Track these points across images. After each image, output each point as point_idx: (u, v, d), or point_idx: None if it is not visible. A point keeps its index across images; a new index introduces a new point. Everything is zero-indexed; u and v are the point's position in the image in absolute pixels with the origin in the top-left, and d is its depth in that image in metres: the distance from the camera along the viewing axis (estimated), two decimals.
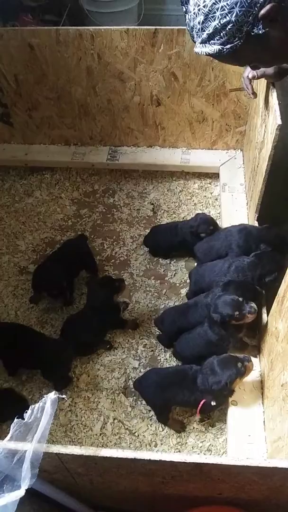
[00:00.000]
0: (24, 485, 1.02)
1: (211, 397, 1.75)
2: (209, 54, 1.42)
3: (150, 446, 1.94)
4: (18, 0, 3.50)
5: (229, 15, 1.31)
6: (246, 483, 1.26)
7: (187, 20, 1.42)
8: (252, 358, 1.84)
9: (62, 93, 2.67)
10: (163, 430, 1.97)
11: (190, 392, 1.81)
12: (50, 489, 1.35)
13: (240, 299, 1.79)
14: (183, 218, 2.68)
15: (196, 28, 1.39)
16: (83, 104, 2.71)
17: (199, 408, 1.79)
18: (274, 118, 1.77)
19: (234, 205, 2.55)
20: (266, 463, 1.08)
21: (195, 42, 1.45)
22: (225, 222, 2.45)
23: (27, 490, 1.04)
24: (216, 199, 2.78)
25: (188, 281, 2.32)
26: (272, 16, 1.32)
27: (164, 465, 1.13)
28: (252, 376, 1.90)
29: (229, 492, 1.36)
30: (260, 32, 1.35)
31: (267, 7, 1.31)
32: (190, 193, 2.84)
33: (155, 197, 2.84)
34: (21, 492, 1.01)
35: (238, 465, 1.09)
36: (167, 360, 2.16)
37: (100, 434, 1.98)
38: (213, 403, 1.75)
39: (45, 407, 1.07)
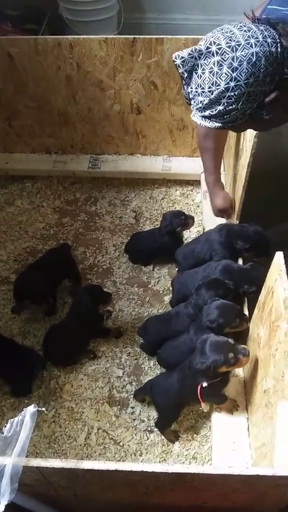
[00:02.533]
0: (4, 501, 1.01)
1: (203, 378, 1.67)
2: (208, 127, 1.43)
3: (135, 455, 1.92)
4: None
5: (235, 103, 1.32)
6: (230, 491, 1.26)
7: (185, 90, 1.42)
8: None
9: (42, 102, 2.66)
10: (148, 439, 1.96)
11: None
12: (32, 503, 1.34)
13: (231, 341, 1.68)
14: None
15: (196, 102, 1.38)
16: (63, 112, 2.71)
17: (199, 394, 1.70)
18: None
19: None
20: (248, 471, 1.08)
21: (189, 105, 1.45)
22: (207, 228, 2.45)
23: (8, 505, 1.03)
24: (198, 206, 2.79)
25: (171, 288, 2.32)
26: (275, 101, 1.34)
27: (146, 475, 1.12)
28: (235, 382, 1.91)
29: (213, 500, 1.36)
30: (263, 117, 1.37)
31: (272, 95, 1.33)
32: (172, 200, 2.85)
33: (137, 204, 2.84)
34: (0, 508, 1.00)
35: (220, 474, 1.09)
36: (151, 368, 2.16)
37: (85, 444, 1.96)
38: (204, 384, 1.66)
39: (24, 420, 1.06)
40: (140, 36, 2.36)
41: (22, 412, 1.06)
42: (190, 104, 1.45)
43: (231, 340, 1.65)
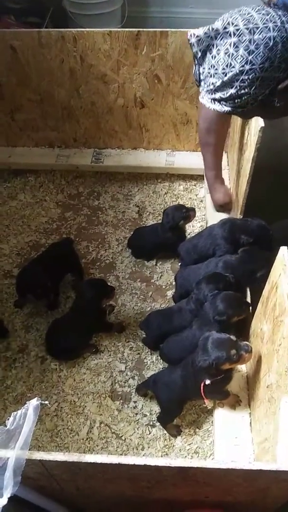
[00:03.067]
0: (7, 494, 1.01)
1: (205, 375, 1.65)
2: (217, 110, 1.41)
3: (137, 449, 1.93)
4: (0, 2, 3.48)
5: (248, 87, 1.30)
6: (232, 486, 1.26)
7: (196, 70, 1.39)
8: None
9: (45, 95, 2.65)
10: (150, 433, 1.96)
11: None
12: (35, 496, 1.34)
13: (233, 338, 1.66)
14: None
15: (207, 84, 1.36)
16: (66, 106, 2.70)
17: (202, 391, 1.69)
18: (257, 120, 1.78)
19: None
20: (251, 466, 1.08)
21: (198, 87, 1.43)
22: (210, 223, 2.43)
23: (11, 498, 1.03)
24: (201, 201, 2.78)
25: (174, 283, 2.32)
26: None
27: (148, 469, 1.12)
28: (238, 377, 1.90)
29: (215, 495, 1.36)
30: (275, 104, 1.35)
31: (286, 82, 1.31)
32: (175, 195, 2.84)
33: (140, 199, 2.83)
34: (3, 501, 1.00)
35: (223, 468, 1.09)
36: (153, 363, 2.15)
37: (87, 438, 1.96)
38: (207, 382, 1.65)
39: (27, 413, 1.06)
40: (145, 30, 2.34)
41: (25, 405, 1.06)
42: (199, 86, 1.43)
43: (233, 337, 1.64)
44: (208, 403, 1.78)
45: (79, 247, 2.59)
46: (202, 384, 1.67)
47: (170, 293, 2.38)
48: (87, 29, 2.38)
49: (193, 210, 2.38)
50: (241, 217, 2.24)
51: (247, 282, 2.01)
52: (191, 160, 2.83)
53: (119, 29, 2.39)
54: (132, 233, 2.58)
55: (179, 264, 2.34)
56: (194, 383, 1.73)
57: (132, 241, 2.55)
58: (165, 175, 2.89)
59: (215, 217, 2.42)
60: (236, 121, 2.38)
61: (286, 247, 1.44)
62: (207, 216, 2.56)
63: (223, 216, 2.36)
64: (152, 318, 2.12)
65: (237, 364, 1.67)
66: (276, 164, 2.97)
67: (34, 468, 1.18)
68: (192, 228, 2.63)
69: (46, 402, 1.22)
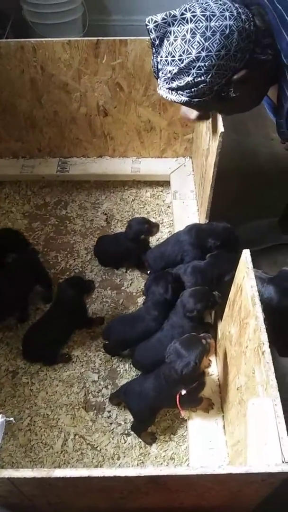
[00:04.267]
0: None
1: (181, 385, 1.66)
2: (174, 101, 1.42)
3: (113, 459, 1.91)
4: None
5: (204, 75, 1.31)
6: (205, 491, 1.26)
7: (154, 59, 1.40)
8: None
9: (7, 105, 2.62)
10: (125, 442, 1.95)
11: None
12: None
13: (194, 333, 1.73)
14: None
15: (164, 73, 1.36)
16: (29, 116, 2.67)
17: (178, 402, 1.69)
18: (217, 126, 1.80)
19: (186, 212, 2.57)
20: (221, 470, 1.08)
21: (157, 79, 1.43)
22: (177, 229, 2.46)
23: None
24: (169, 207, 2.79)
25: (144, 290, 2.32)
26: (243, 80, 1.35)
27: (119, 480, 1.11)
28: (210, 381, 1.91)
29: (189, 501, 1.36)
30: (230, 94, 1.36)
31: (241, 72, 1.33)
32: (142, 201, 2.85)
33: (108, 207, 2.83)
34: None
35: (193, 474, 1.09)
36: (126, 371, 2.14)
37: (62, 451, 1.93)
38: (183, 392, 1.65)
39: None
40: (104, 38, 2.34)
41: None
42: (157, 78, 1.44)
43: (193, 333, 1.70)
44: (184, 414, 1.79)
45: (47, 258, 2.57)
46: (177, 396, 1.67)
47: (141, 300, 2.38)
48: (46, 39, 2.37)
49: (156, 226, 2.38)
50: (207, 221, 2.26)
51: (216, 287, 2.03)
52: (157, 166, 2.85)
53: (78, 38, 2.38)
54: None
55: (148, 272, 2.35)
56: (168, 393, 1.73)
57: (96, 250, 2.55)
58: (131, 182, 2.89)
59: (183, 223, 2.44)
60: (199, 127, 2.41)
61: (248, 249, 1.46)
62: (174, 222, 2.57)
63: (190, 222, 2.37)
64: (115, 325, 2.14)
65: (210, 354, 1.69)
66: (239, 168, 3.01)
67: (3, 485, 1.16)
68: (161, 234, 2.64)
69: (11, 418, 1.19)
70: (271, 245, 2.55)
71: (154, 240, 2.55)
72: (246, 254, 1.45)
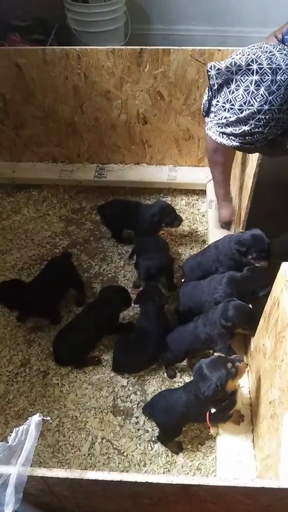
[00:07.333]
0: (8, 510, 1.00)
1: (211, 404, 1.66)
2: (223, 144, 1.41)
3: (139, 465, 1.91)
4: (6, 19, 3.54)
5: (262, 127, 1.30)
6: (235, 504, 1.25)
7: (206, 100, 1.38)
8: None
9: (49, 111, 2.69)
10: (152, 450, 1.95)
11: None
12: None
13: (222, 355, 1.73)
14: (170, 235, 2.69)
15: (219, 117, 1.35)
16: (70, 122, 2.73)
17: (207, 420, 1.70)
18: None
19: None
20: (254, 483, 1.07)
21: (204, 117, 1.42)
22: (212, 238, 2.46)
23: None
24: (203, 216, 2.79)
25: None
26: None
27: (150, 487, 1.11)
28: (241, 393, 1.89)
29: None
30: (283, 144, 1.36)
31: None
32: (177, 209, 2.84)
33: None
34: None
35: (225, 486, 1.08)
36: (155, 378, 2.15)
37: (89, 454, 1.95)
38: (213, 411, 1.65)
39: (29, 429, 1.06)
40: (147, 47, 2.38)
41: (27, 421, 1.06)
42: (205, 116, 1.43)
43: (221, 354, 1.70)
44: (213, 431, 1.78)
45: (81, 262, 2.60)
46: (207, 414, 1.67)
47: (171, 306, 2.37)
48: (91, 47, 2.42)
49: (180, 220, 2.50)
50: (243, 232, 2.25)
51: (250, 300, 2.01)
52: (193, 175, 2.86)
53: (122, 47, 2.43)
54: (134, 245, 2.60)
55: (182, 280, 2.35)
56: (197, 409, 1.73)
57: (108, 209, 2.68)
58: (167, 190, 2.91)
59: (217, 232, 2.43)
60: None
61: (287, 263, 1.45)
62: (209, 231, 2.57)
63: (224, 232, 2.37)
64: (176, 336, 2.10)
65: (237, 378, 1.66)
66: (278, 180, 2.98)
67: (36, 484, 1.17)
68: (195, 243, 2.64)
69: (48, 418, 1.21)
70: None
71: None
72: (285, 267, 1.43)
